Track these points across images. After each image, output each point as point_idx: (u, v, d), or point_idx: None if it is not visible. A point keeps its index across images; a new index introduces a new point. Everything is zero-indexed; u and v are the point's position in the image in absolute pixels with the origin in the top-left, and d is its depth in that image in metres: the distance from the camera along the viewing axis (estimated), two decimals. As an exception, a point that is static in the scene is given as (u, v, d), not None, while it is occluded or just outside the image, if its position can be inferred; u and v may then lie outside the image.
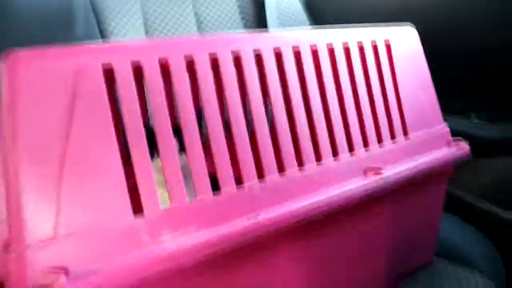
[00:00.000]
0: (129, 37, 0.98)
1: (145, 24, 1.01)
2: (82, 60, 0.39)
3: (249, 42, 0.49)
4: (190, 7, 1.08)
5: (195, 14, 1.09)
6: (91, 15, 0.95)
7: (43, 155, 0.37)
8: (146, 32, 1.00)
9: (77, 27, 0.86)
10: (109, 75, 0.41)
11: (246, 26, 1.13)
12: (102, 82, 0.40)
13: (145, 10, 1.02)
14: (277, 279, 0.50)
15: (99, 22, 0.96)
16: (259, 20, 1.14)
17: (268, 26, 1.11)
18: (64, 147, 0.38)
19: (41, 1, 0.82)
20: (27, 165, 0.37)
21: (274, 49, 0.50)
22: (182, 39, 0.45)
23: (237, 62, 0.47)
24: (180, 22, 1.06)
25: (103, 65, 0.40)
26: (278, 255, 0.49)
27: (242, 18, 1.13)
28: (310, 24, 1.20)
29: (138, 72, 0.42)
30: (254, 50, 0.48)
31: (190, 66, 0.45)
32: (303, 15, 1.20)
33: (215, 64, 0.46)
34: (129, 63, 0.41)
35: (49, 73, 0.38)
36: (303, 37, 0.53)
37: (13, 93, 0.37)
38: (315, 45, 0.53)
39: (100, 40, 0.95)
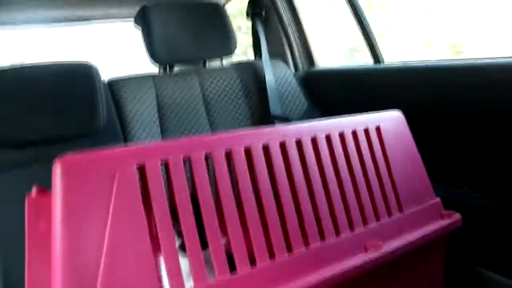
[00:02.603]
0: (144, 115, 1.07)
1: (158, 105, 1.11)
2: (120, 163, 0.47)
3: (258, 136, 0.56)
4: (198, 89, 1.19)
5: (203, 95, 1.19)
6: (110, 100, 1.05)
7: (85, 243, 0.43)
8: (159, 110, 1.10)
9: (99, 112, 0.95)
10: (142, 171, 0.48)
11: (248, 103, 1.23)
12: (137, 181, 0.47)
13: (158, 93, 1.12)
14: None
15: (117, 106, 1.06)
16: (261, 99, 1.25)
17: (269, 104, 1.21)
18: (103, 235, 0.44)
19: (71, 92, 0.92)
20: (71, 252, 0.43)
21: (280, 142, 0.57)
22: (203, 138, 0.52)
23: (248, 155, 0.55)
24: (189, 103, 1.16)
25: (137, 165, 0.47)
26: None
27: (245, 98, 1.24)
28: (306, 99, 1.30)
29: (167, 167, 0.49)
30: (263, 145, 0.56)
31: (207, 160, 0.52)
32: (299, 93, 1.31)
33: (229, 157, 0.53)
34: (159, 163, 0.48)
35: (92, 173, 0.46)
36: (304, 128, 0.61)
37: (64, 189, 0.44)
38: (315, 136, 0.61)
39: (117, 120, 1.04)
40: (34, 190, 0.49)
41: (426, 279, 0.70)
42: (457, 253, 0.87)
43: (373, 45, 1.17)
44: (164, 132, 1.09)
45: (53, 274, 0.43)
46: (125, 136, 1.03)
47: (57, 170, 0.45)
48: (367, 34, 1.17)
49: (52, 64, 0.93)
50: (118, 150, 0.48)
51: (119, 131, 1.02)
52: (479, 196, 0.89)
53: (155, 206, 0.47)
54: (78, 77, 0.94)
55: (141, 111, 1.07)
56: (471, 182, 0.92)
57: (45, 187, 0.51)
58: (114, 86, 1.08)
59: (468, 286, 0.87)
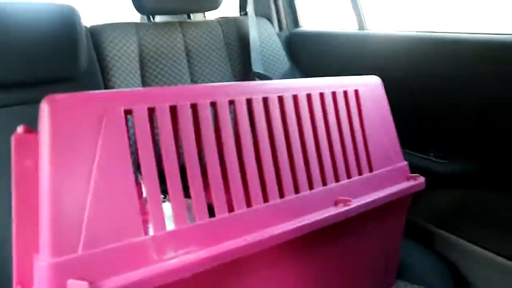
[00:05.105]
0: (126, 63, 1.06)
1: (140, 54, 1.10)
2: (108, 105, 0.48)
3: (243, 90, 0.58)
4: (181, 41, 1.18)
5: (185, 47, 1.18)
6: (91, 45, 1.04)
7: (72, 182, 0.45)
8: (140, 59, 1.09)
9: (80, 56, 0.94)
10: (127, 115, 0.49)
11: (231, 59, 1.23)
12: (124, 124, 0.48)
13: (141, 42, 1.11)
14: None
15: (98, 52, 1.05)
16: (243, 55, 1.25)
17: (251, 61, 1.22)
18: (89, 175, 0.46)
19: (52, 33, 0.90)
20: (59, 190, 0.44)
21: (262, 97, 0.59)
22: (189, 88, 0.54)
23: (233, 107, 0.57)
24: (171, 54, 1.15)
25: (124, 110, 0.48)
26: (262, 271, 0.57)
27: (228, 54, 1.24)
28: (288, 59, 1.31)
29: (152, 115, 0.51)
30: (247, 99, 0.58)
31: (194, 111, 0.54)
32: (282, 52, 1.32)
33: (215, 109, 0.55)
34: (145, 108, 0.49)
35: (80, 113, 0.47)
36: (286, 86, 0.63)
37: (51, 128, 0.45)
38: (296, 94, 0.63)
39: (98, 66, 1.03)
40: (20, 129, 0.49)
41: (387, 234, 0.76)
42: (417, 213, 0.94)
43: (359, 12, 1.18)
44: (145, 81, 1.09)
45: (41, 209, 0.45)
46: (105, 83, 1.02)
47: (45, 109, 0.45)
48: (355, 1, 1.17)
49: (32, 3, 0.90)
50: (106, 92, 0.49)
51: (99, 77, 1.01)
52: (442, 162, 0.95)
53: (140, 150, 0.49)
54: (60, 19, 0.91)
55: (123, 59, 1.06)
56: (436, 149, 0.98)
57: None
58: (95, 31, 1.06)
59: (424, 244, 0.95)
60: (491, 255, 0.84)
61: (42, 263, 0.43)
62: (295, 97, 0.63)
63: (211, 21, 1.26)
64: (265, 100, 0.60)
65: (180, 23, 1.20)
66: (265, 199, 0.57)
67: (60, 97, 0.46)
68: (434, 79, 0.96)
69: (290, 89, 0.63)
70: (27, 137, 0.48)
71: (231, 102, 0.57)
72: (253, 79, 1.18)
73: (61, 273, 0.43)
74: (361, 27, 1.19)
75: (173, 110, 0.52)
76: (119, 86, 1.03)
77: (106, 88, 1.02)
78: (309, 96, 0.65)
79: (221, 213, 0.53)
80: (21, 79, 0.87)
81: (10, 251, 0.46)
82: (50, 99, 0.46)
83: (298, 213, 0.59)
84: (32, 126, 0.50)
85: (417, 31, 1.03)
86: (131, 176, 0.48)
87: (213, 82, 1.18)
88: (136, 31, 1.11)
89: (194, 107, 0.54)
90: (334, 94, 0.68)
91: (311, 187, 0.62)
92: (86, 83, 0.97)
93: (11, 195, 0.49)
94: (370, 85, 0.75)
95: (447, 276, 0.89)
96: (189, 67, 1.17)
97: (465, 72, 0.90)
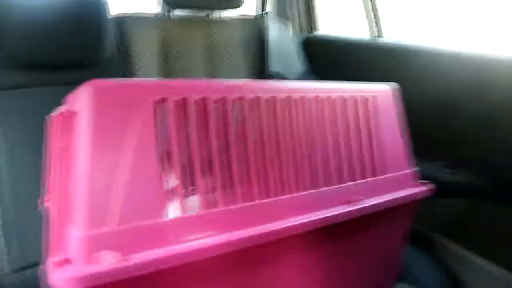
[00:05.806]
0: (147, 55, 1.09)
1: (161, 46, 1.13)
2: (142, 93, 0.50)
3: (268, 87, 0.61)
4: (200, 37, 1.21)
5: (204, 43, 1.21)
6: (117, 36, 1.07)
7: (107, 164, 0.48)
8: (160, 53, 1.12)
9: (105, 44, 0.97)
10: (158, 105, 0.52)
11: (247, 58, 1.26)
12: (152, 111, 0.50)
13: (162, 34, 1.14)
14: (276, 278, 0.61)
15: (121, 40, 1.08)
16: (260, 55, 1.28)
17: (268, 61, 1.25)
18: (124, 158, 0.49)
19: (83, 22, 0.94)
20: (95, 169, 0.47)
21: (286, 96, 0.62)
22: (217, 83, 0.57)
23: (257, 103, 0.59)
24: (190, 49, 1.18)
25: (157, 99, 0.51)
26: (277, 260, 0.60)
27: (245, 52, 1.27)
28: (302, 62, 1.34)
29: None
30: (270, 96, 0.60)
31: (221, 104, 0.56)
32: (298, 54, 1.34)
33: (242, 104, 0.58)
34: (178, 99, 0.52)
35: (118, 99, 0.49)
36: (309, 87, 0.66)
37: (91, 110, 0.47)
38: (318, 95, 0.66)
39: (120, 54, 1.06)
40: (58, 110, 0.52)
41: (393, 235, 0.79)
42: (423, 222, 0.96)
43: (376, 20, 1.20)
44: (163, 72, 1.12)
45: (78, 186, 0.47)
46: (126, 71, 1.05)
47: (86, 93, 0.48)
48: (373, 9, 1.20)
49: None
50: (141, 81, 0.51)
51: (121, 65, 1.04)
52: (450, 172, 0.97)
53: (173, 139, 0.51)
54: (89, 8, 0.95)
55: (144, 50, 1.09)
56: (446, 159, 1.00)
57: (50, 108, 0.55)
58: (120, 21, 1.09)
59: (427, 252, 0.97)
60: (492, 266, 0.87)
61: (77, 234, 0.45)
62: (316, 98, 0.66)
63: (231, 19, 1.29)
64: (288, 99, 0.62)
65: (201, 20, 1.23)
66: (283, 192, 0.59)
67: (100, 83, 0.49)
68: (445, 90, 0.98)
69: (312, 90, 0.65)
70: (63, 118, 0.51)
71: (257, 98, 0.59)
72: (269, 79, 1.21)
73: (93, 244, 0.45)
74: (376, 35, 1.22)
75: (202, 102, 0.55)
76: (139, 75, 1.06)
77: (126, 76, 1.05)
78: (329, 98, 0.67)
79: (241, 202, 0.56)
80: (52, 62, 0.91)
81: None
82: (91, 84, 0.48)
83: (316, 206, 0.61)
84: (60, 104, 0.52)
85: (428, 43, 1.06)
86: (157, 165, 0.50)
87: (229, 78, 1.21)
88: (159, 24, 1.14)
89: (222, 100, 0.56)
90: (355, 100, 0.71)
91: (326, 183, 0.64)
92: (109, 70, 0.99)
93: (39, 171, 0.51)
94: (386, 92, 0.77)
95: (447, 284, 0.91)
96: (208, 62, 1.20)
97: (475, 86, 0.92)
